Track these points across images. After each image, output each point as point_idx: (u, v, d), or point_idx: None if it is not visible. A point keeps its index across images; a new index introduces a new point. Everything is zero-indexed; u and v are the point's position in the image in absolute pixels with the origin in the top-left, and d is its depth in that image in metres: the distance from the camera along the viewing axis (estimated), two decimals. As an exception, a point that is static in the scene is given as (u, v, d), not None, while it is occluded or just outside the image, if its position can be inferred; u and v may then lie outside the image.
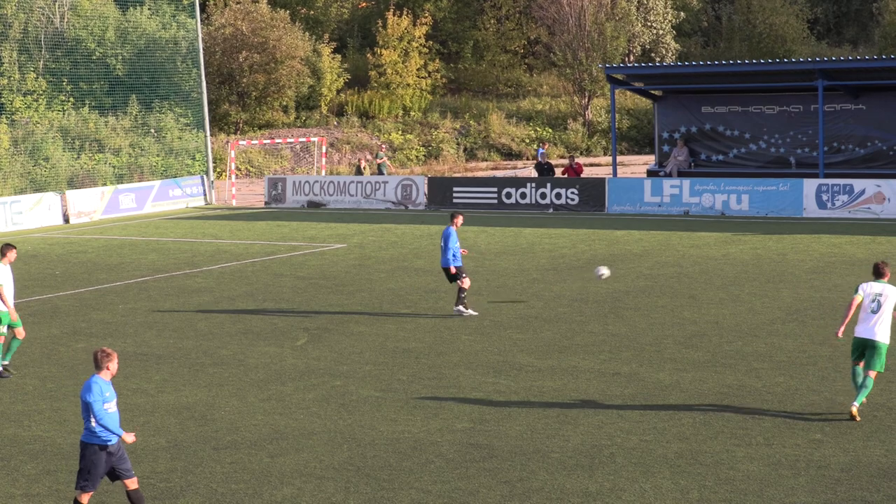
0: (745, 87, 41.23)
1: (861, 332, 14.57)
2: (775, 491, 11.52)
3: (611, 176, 43.68)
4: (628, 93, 54.92)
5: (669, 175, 40.74)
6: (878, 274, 14.81)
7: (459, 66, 66.95)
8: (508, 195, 41.20)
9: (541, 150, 47.10)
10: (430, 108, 61.96)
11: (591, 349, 18.14)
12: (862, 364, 14.50)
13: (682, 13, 67.92)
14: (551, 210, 40.08)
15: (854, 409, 14.20)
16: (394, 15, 61.78)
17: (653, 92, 44.38)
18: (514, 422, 14.21)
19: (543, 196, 40.57)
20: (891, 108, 39.64)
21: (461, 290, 21.31)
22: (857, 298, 14.66)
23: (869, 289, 14.72)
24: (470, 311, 21.36)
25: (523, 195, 40.94)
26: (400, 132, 59.66)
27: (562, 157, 53.89)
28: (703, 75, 42.14)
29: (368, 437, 13.80)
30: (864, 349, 14.54)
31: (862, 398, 14.31)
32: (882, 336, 14.43)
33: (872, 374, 14.45)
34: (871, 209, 36.47)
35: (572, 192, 40.15)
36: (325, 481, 12.28)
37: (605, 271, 22.13)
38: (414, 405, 15.16)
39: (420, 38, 61.93)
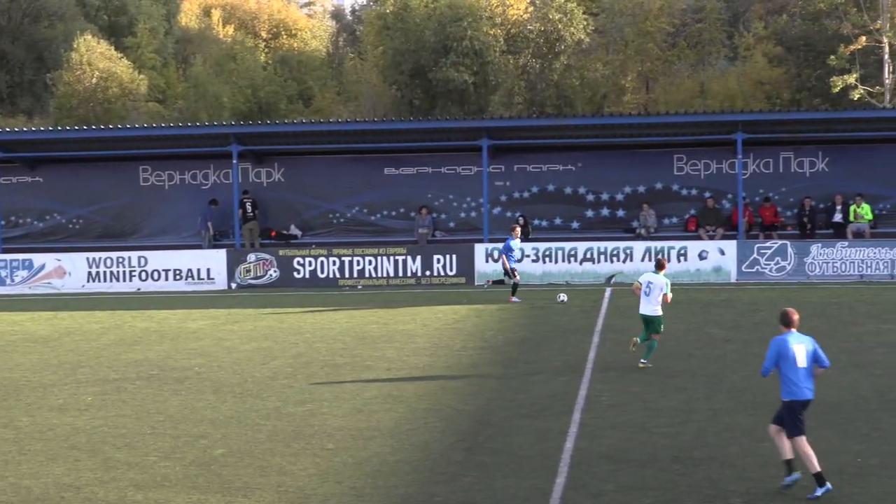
0: None
1: (642, 310, 22.91)
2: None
3: None
4: None
5: None
6: (658, 266, 23.17)
7: None
8: None
9: None
10: None
11: None
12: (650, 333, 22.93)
13: None
14: None
15: (645, 364, 22.56)
16: None
17: None
18: None
19: None
20: (68, 179, 41.52)
21: None
22: (637, 285, 23.23)
23: (643, 278, 23.19)
24: None
25: None
26: None
27: None
28: None
29: None
30: (646, 322, 22.85)
31: (650, 356, 22.76)
32: (656, 311, 22.79)
33: (657, 336, 22.95)
34: (51, 283, 37.85)
35: None
36: None
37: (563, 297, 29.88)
38: None
39: None
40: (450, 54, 53.66)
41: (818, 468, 14.51)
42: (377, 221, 41.83)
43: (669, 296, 22.98)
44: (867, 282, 36.07)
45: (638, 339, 23.14)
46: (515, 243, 33.91)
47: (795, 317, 15.14)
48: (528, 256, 37.85)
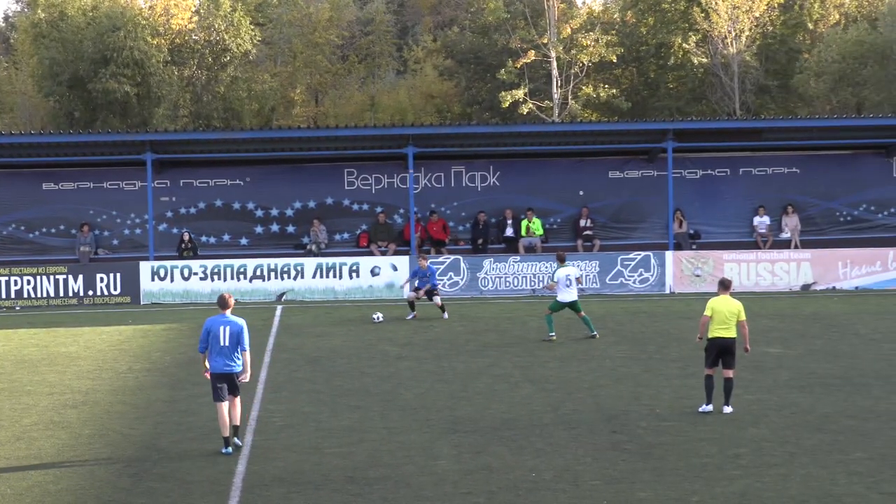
0: None
1: (563, 298, 28.36)
2: None
3: None
4: None
5: None
6: (561, 260, 29.43)
7: None
8: None
9: None
10: None
11: None
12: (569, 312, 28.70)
13: None
14: None
15: (596, 335, 28.28)
16: None
17: None
18: None
19: None
20: None
21: None
22: (552, 284, 28.90)
23: (560, 274, 28.50)
24: None
25: None
26: None
27: None
28: None
29: None
30: (568, 306, 28.29)
31: (591, 326, 28.43)
32: (573, 297, 28.39)
33: (583, 313, 28.47)
34: None
35: None
36: None
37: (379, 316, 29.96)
38: None
39: None
40: (109, 65, 52.61)
41: (227, 433, 17.88)
42: (35, 239, 40.53)
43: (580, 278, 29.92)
44: (539, 296, 37.40)
45: (554, 336, 28.16)
46: (422, 267, 32.97)
47: (230, 301, 18.30)
48: (195, 274, 37.51)
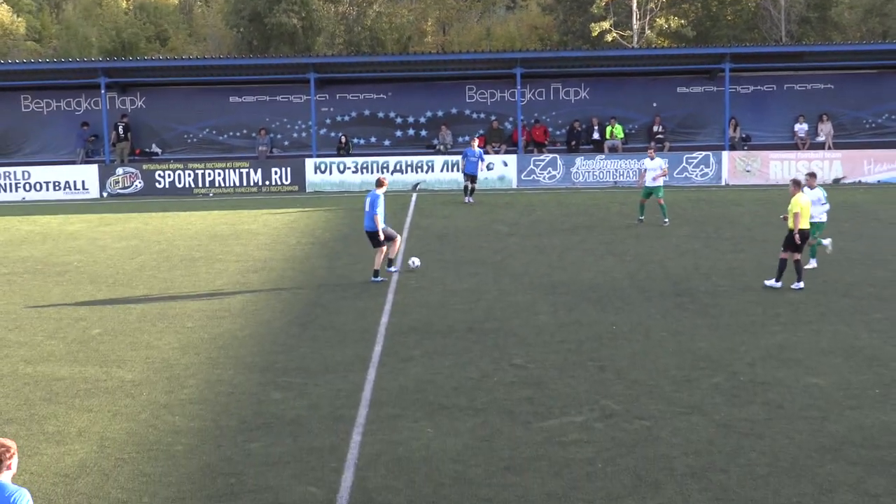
0: None
1: (647, 183, 27.16)
2: None
3: None
4: None
5: None
6: (650, 158, 27.44)
7: None
8: None
9: None
10: None
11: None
12: (645, 200, 27.25)
13: None
14: None
15: (666, 223, 26.77)
16: None
17: None
18: None
19: None
20: (-46, 106, 39.16)
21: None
22: (644, 170, 27.39)
23: (646, 165, 27.36)
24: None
25: None
26: None
27: None
28: None
29: None
30: (650, 192, 27.03)
31: (666, 212, 27.03)
32: (657, 184, 26.96)
33: (661, 200, 27.08)
34: (-58, 197, 35.85)
35: None
36: None
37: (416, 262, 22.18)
38: None
39: None
40: (281, 2, 52.52)
41: (377, 267, 20.22)
42: (224, 141, 40.90)
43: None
44: (620, 187, 36.93)
45: (666, 220, 27.03)
46: (475, 151, 32.96)
47: (381, 180, 20.48)
48: (349, 168, 37.65)
